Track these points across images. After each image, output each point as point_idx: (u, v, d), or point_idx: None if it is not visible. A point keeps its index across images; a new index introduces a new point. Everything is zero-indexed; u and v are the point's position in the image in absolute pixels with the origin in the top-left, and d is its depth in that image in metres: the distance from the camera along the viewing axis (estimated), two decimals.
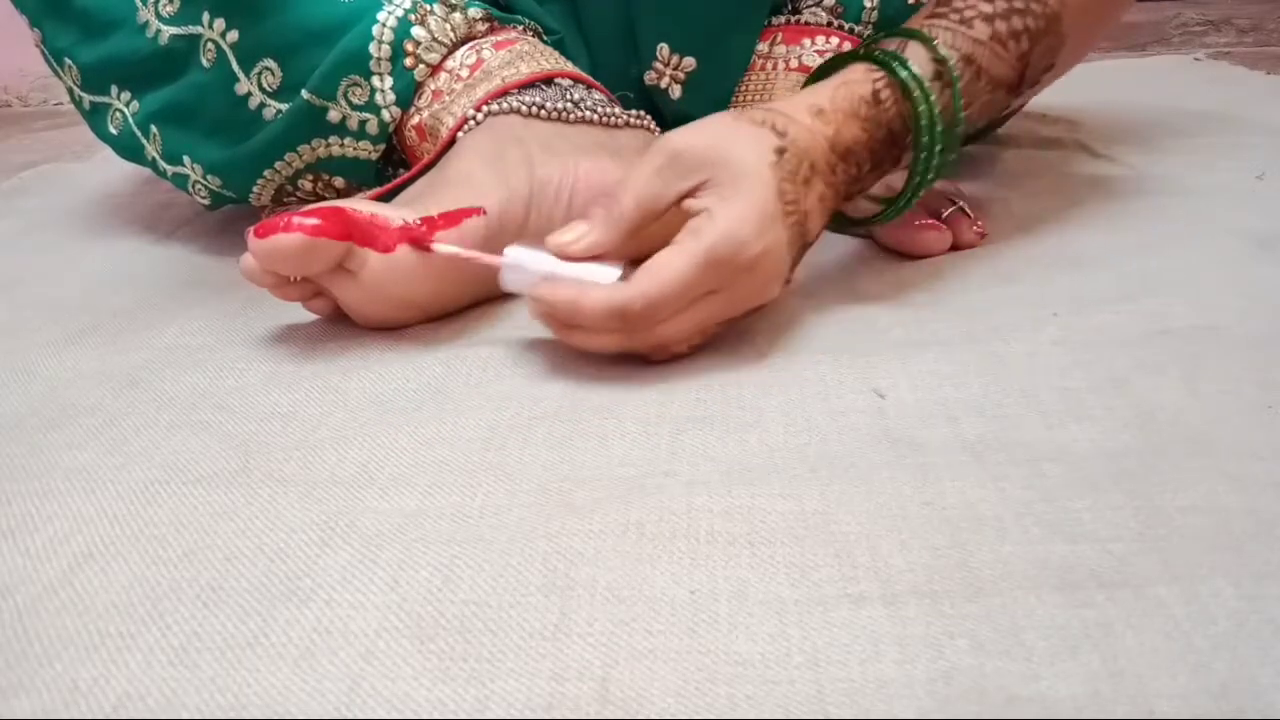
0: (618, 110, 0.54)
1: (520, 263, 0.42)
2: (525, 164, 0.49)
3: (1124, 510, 0.30)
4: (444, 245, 0.44)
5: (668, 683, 0.25)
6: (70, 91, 0.62)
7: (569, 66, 0.55)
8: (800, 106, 0.43)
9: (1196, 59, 1.17)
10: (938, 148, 0.44)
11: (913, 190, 0.46)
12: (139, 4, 0.56)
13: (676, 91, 0.61)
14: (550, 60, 0.55)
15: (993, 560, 0.28)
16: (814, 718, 0.24)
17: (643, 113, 0.55)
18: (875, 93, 0.43)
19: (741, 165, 0.40)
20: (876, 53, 0.44)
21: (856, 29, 0.61)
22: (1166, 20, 1.30)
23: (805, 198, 0.41)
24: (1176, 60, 1.18)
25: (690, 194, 0.41)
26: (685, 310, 0.40)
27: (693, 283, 0.39)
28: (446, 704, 0.25)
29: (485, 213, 0.46)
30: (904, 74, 0.43)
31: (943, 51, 0.44)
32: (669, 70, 0.61)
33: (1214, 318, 0.42)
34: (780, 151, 0.41)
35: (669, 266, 0.39)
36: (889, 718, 0.23)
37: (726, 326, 0.43)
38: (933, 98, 0.43)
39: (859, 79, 0.44)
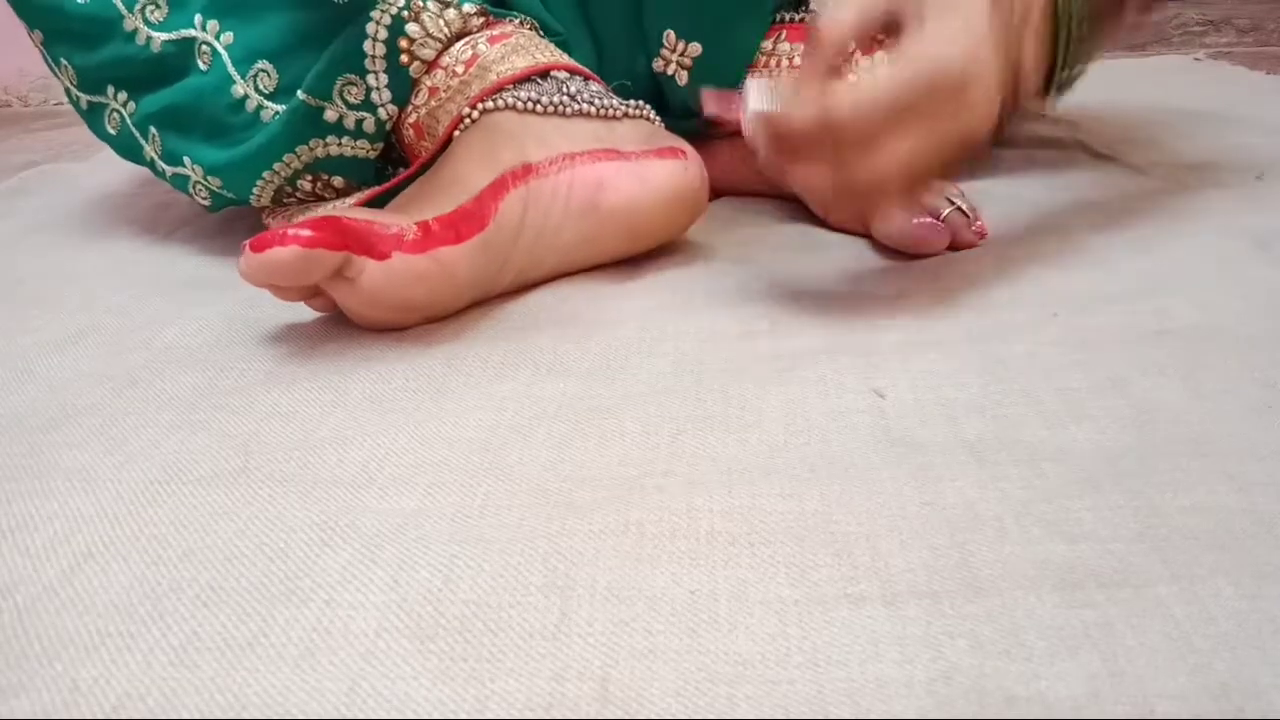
0: (615, 101, 0.54)
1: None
2: (520, 162, 0.49)
3: (1124, 510, 0.30)
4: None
5: (668, 683, 0.25)
6: (67, 91, 0.62)
7: (565, 58, 0.55)
8: None
9: (1196, 59, 1.17)
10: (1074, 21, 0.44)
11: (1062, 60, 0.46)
12: (124, 10, 0.55)
13: (683, 78, 0.62)
14: (546, 53, 0.54)
15: (993, 560, 0.28)
16: (814, 718, 0.24)
17: (641, 102, 0.55)
18: None
19: None
20: None
21: None
22: (1166, 20, 1.30)
23: (1020, 41, 0.41)
24: (1176, 60, 1.18)
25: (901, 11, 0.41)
26: (892, 135, 0.39)
27: (897, 93, 0.39)
28: (446, 704, 0.25)
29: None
30: None
31: None
32: (675, 56, 0.61)
33: (1214, 318, 0.42)
34: None
35: (874, 76, 0.39)
36: (889, 718, 0.23)
37: (934, 174, 0.43)
38: None
39: None
